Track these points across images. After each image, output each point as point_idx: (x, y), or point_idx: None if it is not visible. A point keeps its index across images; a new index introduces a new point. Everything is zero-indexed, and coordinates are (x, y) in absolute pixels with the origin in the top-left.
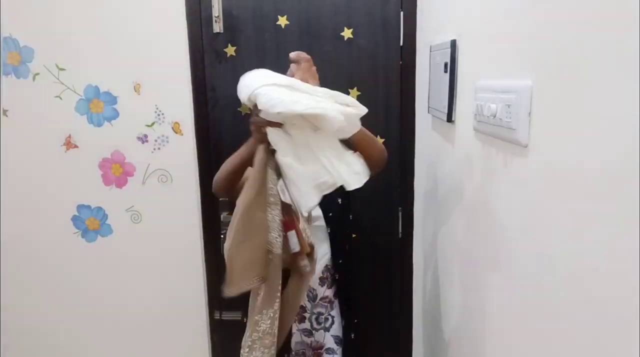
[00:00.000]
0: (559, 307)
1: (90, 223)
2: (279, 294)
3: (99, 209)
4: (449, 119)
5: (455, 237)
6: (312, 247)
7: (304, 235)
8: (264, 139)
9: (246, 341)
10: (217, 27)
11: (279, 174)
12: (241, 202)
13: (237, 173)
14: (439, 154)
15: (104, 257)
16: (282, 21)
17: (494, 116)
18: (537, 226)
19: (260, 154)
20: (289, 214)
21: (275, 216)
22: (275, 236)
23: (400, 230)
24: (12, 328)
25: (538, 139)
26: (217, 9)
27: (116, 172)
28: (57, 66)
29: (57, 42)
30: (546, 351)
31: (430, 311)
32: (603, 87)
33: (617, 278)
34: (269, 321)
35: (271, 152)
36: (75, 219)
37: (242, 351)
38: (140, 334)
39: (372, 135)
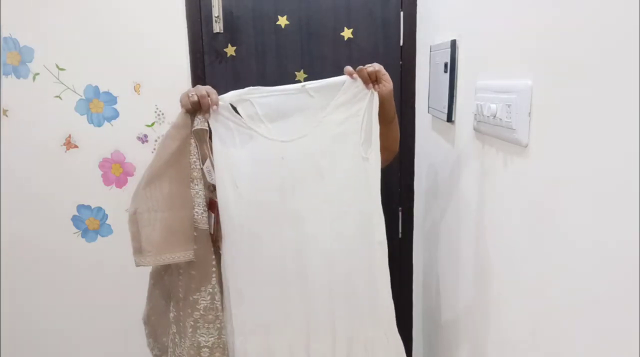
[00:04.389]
0: (559, 306)
1: (90, 223)
2: (214, 269)
3: (99, 209)
4: (449, 119)
5: (456, 237)
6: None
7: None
8: (186, 106)
9: (183, 322)
10: (217, 27)
11: (203, 153)
12: (149, 167)
13: None
14: (439, 154)
15: (104, 257)
16: (282, 21)
17: (494, 116)
18: (537, 225)
19: (177, 120)
20: (213, 197)
21: (199, 190)
22: (200, 212)
23: (400, 230)
24: (12, 328)
25: (538, 139)
26: (217, 9)
27: (116, 172)
28: (57, 66)
29: (57, 42)
30: (546, 350)
31: (430, 310)
32: (603, 87)
33: (618, 278)
34: (208, 297)
35: (195, 128)
36: (75, 219)
37: (173, 338)
38: (141, 334)
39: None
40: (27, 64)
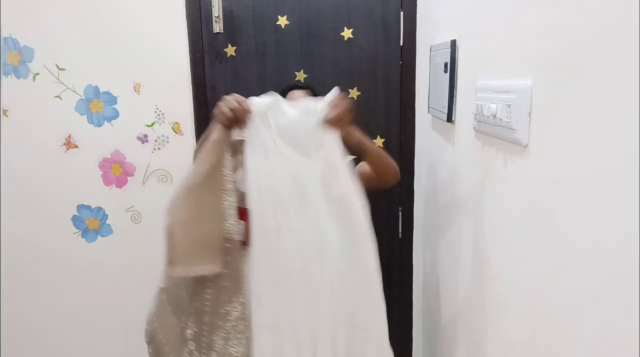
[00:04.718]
0: (559, 306)
1: (90, 223)
2: (245, 280)
3: (99, 209)
4: (449, 119)
5: (455, 237)
6: None
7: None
8: (224, 122)
9: (209, 336)
10: (217, 27)
11: (238, 162)
12: (186, 180)
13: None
14: (439, 154)
15: (104, 257)
16: (282, 21)
17: (494, 116)
18: (537, 225)
19: (215, 135)
20: (243, 205)
21: (232, 202)
22: (233, 223)
23: (400, 230)
24: (12, 328)
25: (538, 139)
26: (217, 9)
27: (116, 172)
28: (57, 66)
29: (57, 42)
30: (546, 350)
31: (430, 310)
32: (603, 87)
33: (618, 278)
34: (240, 308)
35: (231, 140)
36: (75, 219)
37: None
38: (141, 334)
39: (385, 155)
40: (27, 64)
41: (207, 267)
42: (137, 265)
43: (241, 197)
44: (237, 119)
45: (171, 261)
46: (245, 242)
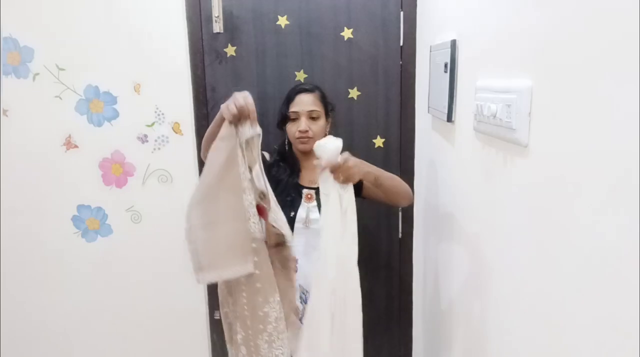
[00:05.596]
0: (560, 306)
1: (90, 223)
2: (274, 278)
3: (99, 209)
4: (449, 119)
5: (455, 237)
6: (281, 242)
7: (271, 226)
8: (230, 119)
9: (255, 340)
10: (217, 27)
11: (252, 159)
12: (202, 180)
13: (211, 139)
14: (439, 154)
15: (104, 257)
16: (282, 21)
17: (494, 116)
18: (537, 225)
19: (223, 132)
20: (262, 202)
21: (251, 200)
22: (255, 222)
23: (400, 230)
24: (12, 328)
25: (538, 139)
26: (217, 9)
27: (116, 172)
28: (57, 66)
29: (57, 42)
30: (547, 350)
31: (430, 310)
32: (603, 87)
33: (618, 278)
34: (277, 306)
35: (242, 137)
36: (75, 219)
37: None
38: (141, 334)
39: (398, 184)
40: (27, 64)
41: (238, 269)
42: (137, 265)
43: (259, 194)
44: (243, 116)
45: (200, 267)
46: (266, 241)
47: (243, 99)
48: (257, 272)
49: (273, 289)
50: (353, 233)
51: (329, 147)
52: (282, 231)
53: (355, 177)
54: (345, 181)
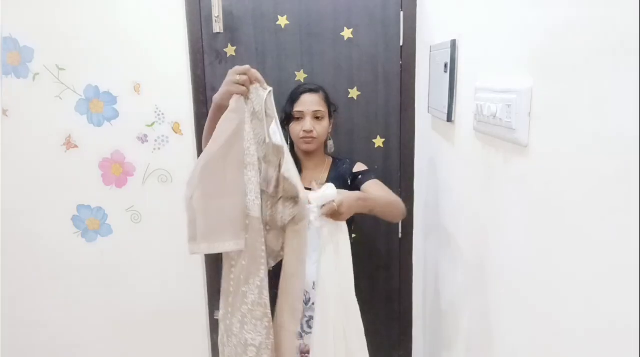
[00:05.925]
0: (560, 306)
1: (90, 223)
2: (264, 261)
3: (99, 209)
4: (449, 119)
5: (455, 237)
6: (293, 196)
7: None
8: (242, 91)
9: (231, 319)
10: (217, 27)
11: (259, 131)
12: (207, 153)
13: (208, 136)
14: (439, 154)
15: (104, 257)
16: (282, 21)
17: (494, 116)
18: (537, 225)
19: (233, 104)
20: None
21: (251, 177)
22: (252, 198)
23: (400, 230)
24: (12, 328)
25: (538, 139)
26: (217, 9)
27: (116, 172)
28: (57, 66)
29: (57, 42)
30: (547, 350)
31: (430, 310)
32: (603, 87)
33: (618, 277)
34: (256, 291)
35: (265, 99)
36: (75, 219)
37: (223, 332)
38: (140, 334)
39: (391, 204)
40: (27, 64)
41: (230, 244)
42: (137, 265)
43: (274, 150)
44: (253, 80)
45: (192, 237)
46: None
47: (240, 68)
48: (244, 249)
49: (256, 272)
50: (347, 264)
51: (327, 196)
52: (293, 181)
53: (349, 216)
54: (342, 219)
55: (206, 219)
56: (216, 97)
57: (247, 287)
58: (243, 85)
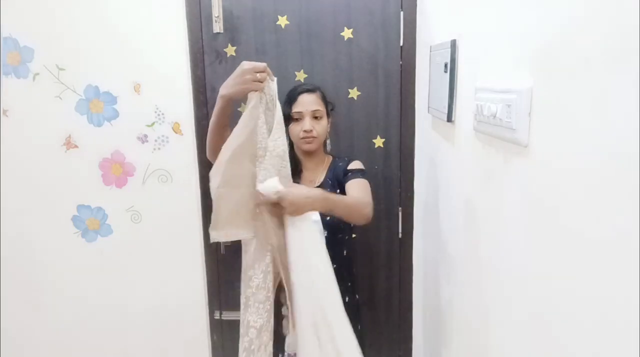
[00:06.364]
0: (560, 306)
1: (90, 223)
2: (270, 247)
3: (99, 209)
4: (449, 119)
5: (455, 237)
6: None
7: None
8: (259, 87)
9: (242, 298)
10: (217, 27)
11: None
12: (230, 144)
13: (215, 131)
14: (439, 154)
15: (104, 257)
16: (282, 21)
17: (494, 116)
18: (536, 225)
19: (254, 101)
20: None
21: (263, 168)
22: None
23: (400, 230)
24: (12, 328)
25: (538, 139)
26: (217, 9)
27: (116, 172)
28: (57, 66)
29: (57, 42)
30: (546, 350)
31: (430, 310)
32: (603, 87)
33: (618, 278)
34: (261, 275)
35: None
36: (75, 219)
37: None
38: (141, 334)
39: (352, 206)
40: (27, 64)
41: (242, 232)
42: (137, 265)
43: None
44: (266, 73)
45: (214, 225)
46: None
47: (257, 66)
48: (255, 236)
49: (262, 258)
50: (319, 263)
51: (267, 188)
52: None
53: (300, 212)
54: (293, 214)
55: (226, 207)
56: (228, 92)
57: (252, 271)
58: (261, 82)
